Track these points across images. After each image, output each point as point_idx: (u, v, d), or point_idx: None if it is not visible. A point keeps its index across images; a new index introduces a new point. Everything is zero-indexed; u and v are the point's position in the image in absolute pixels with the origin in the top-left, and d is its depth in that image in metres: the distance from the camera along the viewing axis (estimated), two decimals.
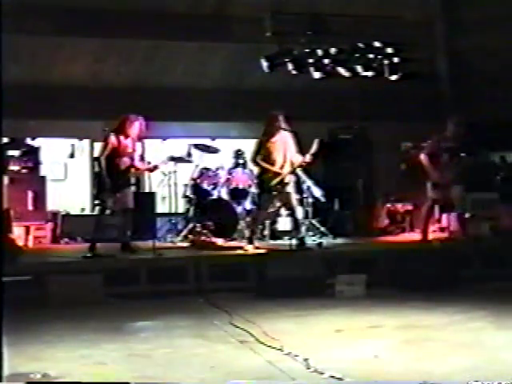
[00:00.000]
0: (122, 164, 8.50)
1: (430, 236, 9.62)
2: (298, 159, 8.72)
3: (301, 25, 9.37)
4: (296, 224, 8.81)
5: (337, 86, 10.49)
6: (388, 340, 5.62)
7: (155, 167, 8.82)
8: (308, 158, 8.60)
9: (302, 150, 8.72)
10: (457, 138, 9.21)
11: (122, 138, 8.50)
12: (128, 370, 4.83)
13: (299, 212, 8.85)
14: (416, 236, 9.95)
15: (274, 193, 8.76)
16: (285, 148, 8.71)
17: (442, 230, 10.27)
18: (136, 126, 8.52)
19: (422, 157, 9.31)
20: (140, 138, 8.79)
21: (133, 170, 8.61)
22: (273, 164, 8.67)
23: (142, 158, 8.86)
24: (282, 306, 7.02)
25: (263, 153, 8.71)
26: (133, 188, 8.94)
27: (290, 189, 8.72)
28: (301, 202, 9.29)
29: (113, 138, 8.46)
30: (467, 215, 9.95)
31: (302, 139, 8.89)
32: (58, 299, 7.18)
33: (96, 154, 9.02)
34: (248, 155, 10.26)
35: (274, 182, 8.65)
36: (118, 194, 8.52)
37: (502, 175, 11.31)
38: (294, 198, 8.77)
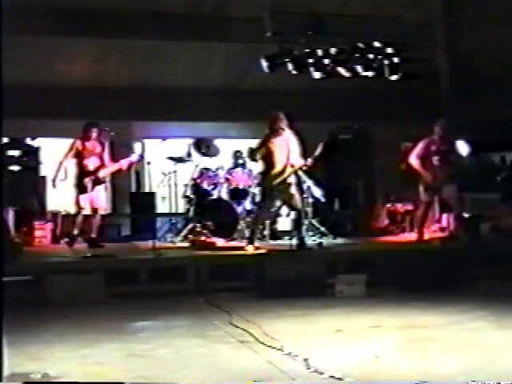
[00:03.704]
0: (91, 164, 9.24)
1: (430, 236, 9.65)
2: (300, 162, 8.72)
3: (301, 25, 9.34)
4: (296, 224, 8.81)
5: (337, 86, 10.49)
6: (388, 340, 5.62)
7: (130, 163, 9.45)
8: (310, 161, 8.61)
9: (306, 152, 8.74)
10: (445, 140, 9.31)
11: (86, 143, 9.27)
12: (128, 370, 4.83)
13: (301, 213, 8.87)
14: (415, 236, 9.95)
15: (276, 193, 8.76)
16: (288, 148, 8.70)
17: (442, 230, 10.27)
18: (96, 131, 9.29)
19: (413, 160, 9.40)
20: (106, 140, 9.44)
21: (102, 169, 9.28)
22: (275, 163, 8.67)
23: (112, 158, 9.46)
24: (282, 305, 7.01)
25: (265, 152, 8.70)
26: (102, 187, 9.38)
27: (294, 190, 8.72)
28: (301, 202, 9.28)
29: (78, 143, 9.28)
30: (466, 215, 9.98)
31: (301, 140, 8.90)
32: (58, 299, 7.18)
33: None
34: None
35: (276, 181, 8.66)
36: (87, 194, 9.18)
37: (502, 175, 11.31)
38: (298, 199, 8.78)
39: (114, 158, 9.43)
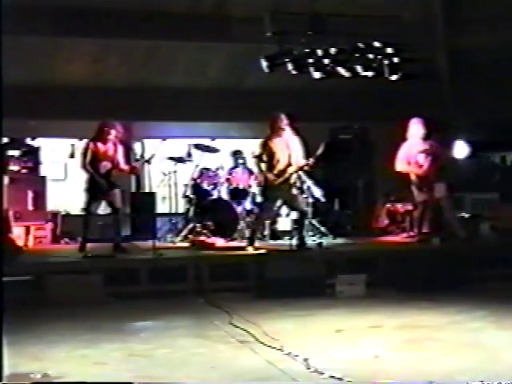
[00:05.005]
0: (102, 168, 8.87)
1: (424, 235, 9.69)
2: (302, 162, 8.73)
3: (301, 25, 9.34)
4: (297, 224, 8.81)
5: (337, 86, 10.49)
6: (388, 340, 5.62)
7: (135, 168, 9.21)
8: (312, 161, 8.62)
9: (307, 152, 8.75)
10: (425, 138, 9.36)
11: (99, 144, 8.92)
12: (128, 370, 4.83)
13: (303, 213, 8.88)
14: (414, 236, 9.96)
15: (278, 193, 8.76)
16: (289, 149, 8.71)
17: (442, 229, 10.27)
18: (112, 131, 8.93)
19: (399, 166, 9.41)
20: (121, 142, 9.11)
21: (115, 172, 8.97)
22: (276, 164, 8.68)
23: (126, 160, 9.16)
24: (282, 305, 7.02)
25: (267, 153, 8.72)
26: (118, 189, 9.06)
27: (296, 191, 8.73)
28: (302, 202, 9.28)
29: (91, 145, 8.91)
30: (466, 215, 10.00)
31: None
32: (58, 299, 7.19)
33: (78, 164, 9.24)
34: (247, 155, 10.31)
35: (278, 181, 8.66)
36: (104, 196, 8.91)
37: (502, 175, 11.31)
38: (300, 199, 8.79)
39: (128, 161, 9.10)
